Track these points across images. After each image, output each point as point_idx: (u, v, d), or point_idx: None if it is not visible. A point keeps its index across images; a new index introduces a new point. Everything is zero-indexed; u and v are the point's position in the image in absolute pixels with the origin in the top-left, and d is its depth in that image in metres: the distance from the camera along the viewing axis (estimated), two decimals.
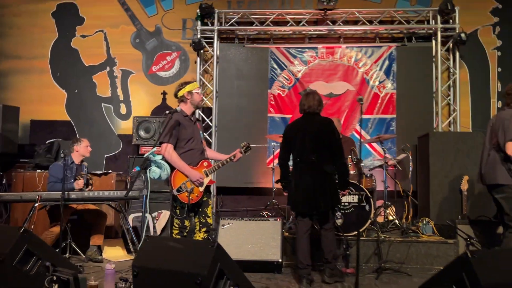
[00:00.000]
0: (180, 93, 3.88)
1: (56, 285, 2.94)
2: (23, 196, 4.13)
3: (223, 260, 2.72)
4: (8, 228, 3.30)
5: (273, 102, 6.37)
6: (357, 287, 3.22)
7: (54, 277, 2.95)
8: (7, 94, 6.86)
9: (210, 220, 3.87)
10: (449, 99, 6.21)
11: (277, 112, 6.35)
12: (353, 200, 4.75)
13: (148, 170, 3.36)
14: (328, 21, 6.32)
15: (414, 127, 6.06)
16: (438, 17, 6.10)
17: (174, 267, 2.65)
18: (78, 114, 6.78)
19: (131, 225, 5.39)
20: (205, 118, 6.41)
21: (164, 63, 6.76)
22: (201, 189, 3.71)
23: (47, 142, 6.35)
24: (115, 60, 6.81)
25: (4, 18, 6.98)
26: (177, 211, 3.76)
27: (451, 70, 6.21)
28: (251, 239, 4.40)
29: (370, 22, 6.29)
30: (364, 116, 6.23)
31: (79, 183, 4.56)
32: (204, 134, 4.03)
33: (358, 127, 6.22)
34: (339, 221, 4.69)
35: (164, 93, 6.70)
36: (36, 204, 4.11)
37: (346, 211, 4.74)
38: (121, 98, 6.78)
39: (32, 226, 4.00)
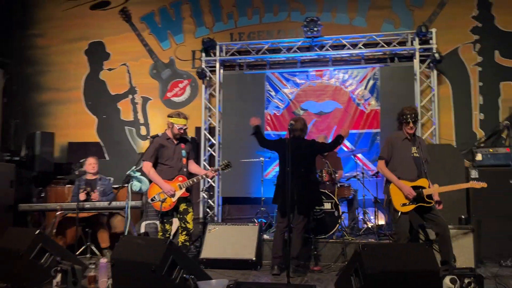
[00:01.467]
0: (168, 118, 4.79)
1: (60, 274, 3.90)
2: (48, 207, 5.20)
3: (176, 254, 3.54)
4: (26, 230, 4.29)
5: (269, 121, 7.16)
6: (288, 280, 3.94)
7: (58, 268, 3.92)
8: (49, 121, 8.11)
9: (189, 226, 4.71)
10: (430, 114, 6.70)
11: (273, 129, 7.13)
12: (324, 207, 5.46)
13: (130, 184, 4.29)
14: (316, 48, 7.03)
15: None
16: (416, 39, 6.64)
17: (137, 259, 3.53)
18: (106, 136, 7.88)
19: (143, 230, 6.34)
20: (210, 137, 7.30)
21: (177, 89, 7.75)
22: (174, 199, 4.56)
23: (80, 161, 7.49)
24: (136, 88, 7.89)
25: (47, 57, 8.27)
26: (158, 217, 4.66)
27: (431, 86, 6.71)
28: (232, 241, 5.18)
29: (356, 45, 6.93)
30: (351, 131, 6.86)
31: (81, 196, 5.49)
32: (189, 152, 4.82)
33: (346, 142, 6.86)
34: (311, 225, 5.41)
35: None
36: (58, 213, 5.14)
37: (318, 217, 5.45)
38: (141, 121, 7.83)
39: (54, 230, 5.01)
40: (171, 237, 5.01)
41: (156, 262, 3.38)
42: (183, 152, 4.81)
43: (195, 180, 4.70)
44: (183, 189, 4.61)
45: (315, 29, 6.64)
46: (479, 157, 5.90)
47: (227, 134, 7.25)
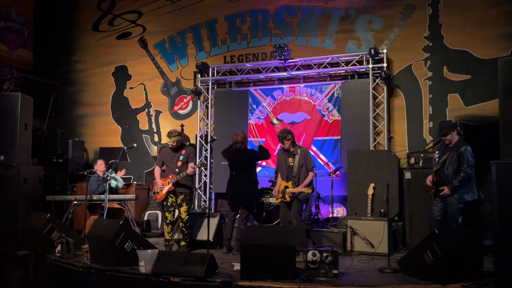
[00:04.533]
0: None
1: (60, 245, 5.65)
2: (66, 198, 7.05)
3: (127, 231, 5.16)
4: (40, 215, 6.09)
5: (252, 130, 8.58)
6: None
7: (59, 240, 5.68)
8: (85, 130, 10.13)
9: (182, 216, 6.27)
10: (383, 124, 7.75)
11: (254, 137, 8.54)
12: (273, 201, 6.84)
13: (108, 183, 5.99)
14: (289, 68, 8.34)
15: (355, 145, 7.72)
16: (370, 59, 7.74)
17: (100, 233, 5.18)
18: (128, 142, 9.69)
19: (146, 218, 8.06)
20: (204, 144, 8.86)
21: (182, 104, 9.40)
22: (163, 192, 6.17)
23: (109, 162, 9.37)
24: (151, 103, 9.66)
25: (84, 79, 10.31)
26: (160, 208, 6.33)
27: (385, 99, 7.76)
28: (202, 226, 6.68)
29: (322, 64, 8.14)
30: (317, 138, 8.13)
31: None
32: (188, 157, 6.24)
33: (313, 147, 8.12)
34: (263, 214, 6.85)
35: (182, 126, 9.31)
36: (74, 202, 6.96)
37: (268, 209, 6.85)
38: (155, 130, 9.58)
39: (70, 216, 6.82)
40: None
41: (110, 236, 5.01)
42: (181, 157, 6.35)
43: (177, 177, 6.21)
44: (170, 184, 6.18)
45: (284, 53, 7.96)
46: (412, 160, 6.91)
47: (218, 140, 8.71)
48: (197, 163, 6.27)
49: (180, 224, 6.40)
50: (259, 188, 6.86)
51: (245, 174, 6.22)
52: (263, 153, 6.37)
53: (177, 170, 6.30)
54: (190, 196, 6.48)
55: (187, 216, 6.32)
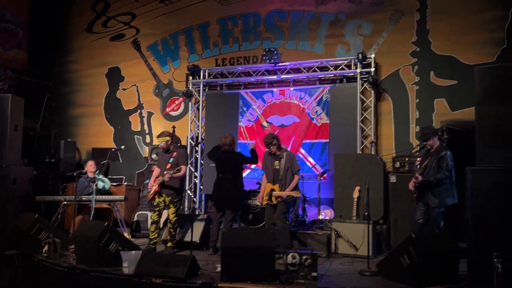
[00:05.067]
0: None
1: (47, 245, 5.74)
2: (55, 198, 7.14)
3: (112, 232, 5.25)
4: (28, 215, 6.17)
5: (242, 132, 8.67)
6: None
7: (46, 241, 5.77)
8: (78, 130, 10.23)
9: (170, 217, 6.36)
10: (370, 128, 7.84)
11: (244, 139, 8.63)
12: (259, 204, 6.92)
13: (95, 184, 6.08)
14: (279, 72, 8.43)
15: (343, 149, 7.81)
16: (358, 63, 7.83)
17: (86, 234, 5.27)
18: (120, 143, 9.76)
19: (135, 219, 8.14)
20: (195, 146, 8.94)
21: (174, 105, 9.49)
22: (151, 192, 6.28)
23: (101, 163, 9.46)
24: (143, 105, 9.75)
25: (78, 80, 10.40)
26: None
27: (372, 104, 7.86)
28: (189, 227, 6.79)
29: (311, 68, 8.24)
30: (306, 141, 8.22)
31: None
32: (178, 158, 6.34)
33: (302, 150, 8.22)
34: (250, 216, 6.94)
35: (174, 127, 9.39)
36: (64, 203, 7.04)
37: (255, 211, 6.94)
38: (147, 131, 9.67)
39: (59, 216, 6.92)
40: (160, 225, 6.78)
41: (96, 237, 5.10)
42: (171, 159, 6.42)
43: (161, 179, 6.30)
44: (156, 185, 6.28)
45: (274, 57, 8.05)
46: (397, 164, 7.01)
47: (209, 142, 8.83)
48: (173, 171, 6.24)
49: (168, 225, 6.50)
50: (246, 190, 6.97)
51: (231, 176, 6.31)
52: (252, 157, 6.44)
53: (165, 172, 6.39)
54: (179, 198, 6.51)
55: (175, 218, 6.40)
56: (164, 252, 6.22)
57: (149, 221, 7.74)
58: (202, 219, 6.87)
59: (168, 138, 6.47)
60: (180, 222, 6.78)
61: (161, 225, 8.05)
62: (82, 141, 10.04)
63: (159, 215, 6.45)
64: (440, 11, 7.68)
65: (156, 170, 6.55)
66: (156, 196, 6.38)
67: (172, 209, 6.38)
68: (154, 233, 6.39)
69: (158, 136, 6.52)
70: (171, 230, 6.42)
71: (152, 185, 6.36)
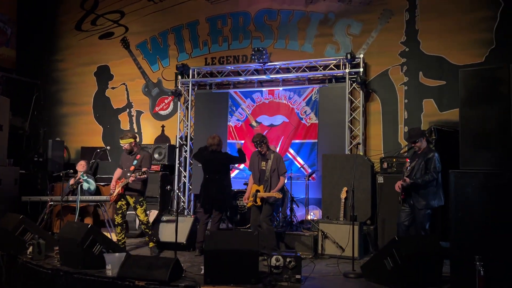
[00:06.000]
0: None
1: (31, 246, 5.70)
2: (42, 199, 7.08)
3: (95, 234, 5.21)
4: (13, 216, 6.12)
5: (231, 132, 8.63)
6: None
7: (31, 242, 5.73)
8: (67, 129, 10.16)
9: (141, 218, 6.32)
10: (358, 129, 7.83)
11: (233, 139, 8.60)
12: (246, 205, 6.89)
13: (80, 185, 6.03)
14: (268, 71, 8.40)
15: (332, 149, 7.80)
16: (347, 64, 7.81)
17: (69, 236, 5.23)
18: (109, 142, 9.73)
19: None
20: (184, 145, 8.90)
21: (163, 104, 9.44)
22: (114, 194, 6.22)
23: (90, 162, 9.40)
24: (132, 104, 9.69)
25: (66, 78, 10.32)
26: None
27: (360, 104, 7.85)
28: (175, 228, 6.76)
29: (300, 68, 8.21)
30: (295, 141, 8.20)
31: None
32: (141, 161, 6.39)
33: (291, 150, 8.20)
34: (237, 217, 6.93)
35: (163, 126, 9.36)
36: (50, 203, 6.99)
37: (242, 212, 6.92)
38: (136, 130, 9.61)
39: (45, 217, 6.86)
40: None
41: (79, 239, 5.06)
42: (135, 162, 6.42)
43: (125, 181, 6.25)
44: (119, 187, 6.24)
45: (263, 57, 8.01)
46: (385, 165, 7.01)
47: (198, 141, 8.80)
48: (138, 173, 6.20)
49: (142, 226, 6.46)
50: (234, 190, 6.95)
51: (218, 177, 6.28)
52: (239, 156, 6.42)
53: (128, 174, 6.31)
54: (143, 198, 6.42)
55: (146, 217, 6.37)
56: (152, 254, 6.19)
57: (138, 222, 7.73)
58: (189, 220, 6.83)
59: (131, 140, 6.42)
60: (167, 223, 6.77)
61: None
62: (71, 140, 9.97)
63: (123, 217, 6.39)
64: (429, 11, 7.66)
65: (118, 171, 6.52)
66: (120, 199, 6.33)
67: (140, 209, 6.33)
68: (120, 234, 6.32)
69: (121, 138, 6.44)
70: (147, 230, 6.38)
71: (115, 186, 6.31)
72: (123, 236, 6.33)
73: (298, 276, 4.68)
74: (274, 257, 4.76)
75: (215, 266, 4.63)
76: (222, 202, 6.33)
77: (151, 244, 6.34)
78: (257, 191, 6.06)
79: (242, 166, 8.34)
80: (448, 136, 6.88)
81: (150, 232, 6.41)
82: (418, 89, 7.70)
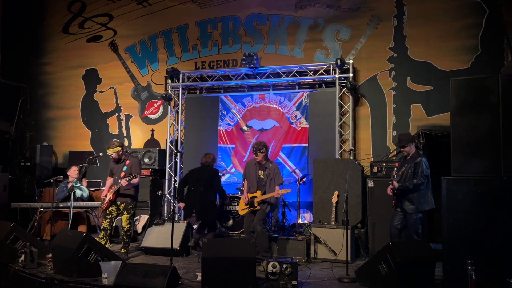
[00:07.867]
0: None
1: (23, 255, 5.65)
2: (32, 205, 7.01)
3: (91, 242, 5.19)
4: (4, 223, 6.05)
5: (222, 136, 8.66)
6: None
7: (23, 250, 5.67)
8: (54, 133, 10.05)
9: (123, 224, 6.36)
10: (348, 133, 7.94)
11: (224, 143, 8.62)
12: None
13: (73, 192, 6.01)
14: (258, 76, 8.45)
15: (322, 153, 7.89)
16: (337, 69, 7.90)
17: (65, 245, 5.20)
18: (98, 146, 9.65)
19: (114, 224, 8.02)
20: (173, 149, 8.88)
21: (153, 108, 9.41)
22: (105, 201, 6.22)
23: (78, 167, 9.31)
24: (121, 107, 9.64)
25: (53, 81, 10.21)
26: None
27: (350, 109, 7.95)
28: (167, 234, 6.74)
29: (290, 73, 8.28)
30: (285, 145, 8.27)
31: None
32: (131, 167, 6.40)
33: (281, 154, 8.26)
34: (230, 222, 6.98)
35: (152, 130, 9.34)
36: (40, 209, 6.93)
37: (235, 217, 6.96)
38: (125, 134, 9.57)
39: (36, 224, 6.80)
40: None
41: (74, 248, 5.04)
42: (125, 168, 6.43)
43: (116, 188, 6.27)
44: (111, 194, 6.24)
45: (253, 61, 8.06)
46: (375, 169, 7.12)
47: (188, 146, 8.82)
48: (128, 178, 6.23)
49: (121, 232, 6.49)
50: (228, 195, 7.07)
51: (203, 189, 6.38)
52: (222, 190, 6.81)
53: (119, 181, 6.32)
54: (133, 205, 6.47)
55: (129, 225, 6.40)
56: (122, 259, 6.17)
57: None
58: (181, 226, 6.84)
59: (118, 148, 6.43)
60: (155, 228, 6.82)
61: (140, 230, 8.06)
62: (59, 144, 9.86)
63: (110, 223, 6.40)
64: (417, 18, 7.81)
65: (109, 180, 6.54)
66: (111, 205, 6.34)
67: (125, 216, 6.36)
68: (102, 240, 6.28)
69: (108, 148, 6.45)
70: (125, 237, 6.40)
71: (106, 195, 6.32)
72: (104, 242, 6.29)
73: (294, 282, 4.75)
74: (271, 263, 4.83)
75: (212, 274, 4.66)
76: (210, 222, 6.56)
77: (122, 250, 6.37)
78: (253, 197, 6.17)
79: (233, 169, 8.38)
80: (436, 140, 7.05)
81: (127, 240, 6.44)
82: (406, 94, 7.84)
